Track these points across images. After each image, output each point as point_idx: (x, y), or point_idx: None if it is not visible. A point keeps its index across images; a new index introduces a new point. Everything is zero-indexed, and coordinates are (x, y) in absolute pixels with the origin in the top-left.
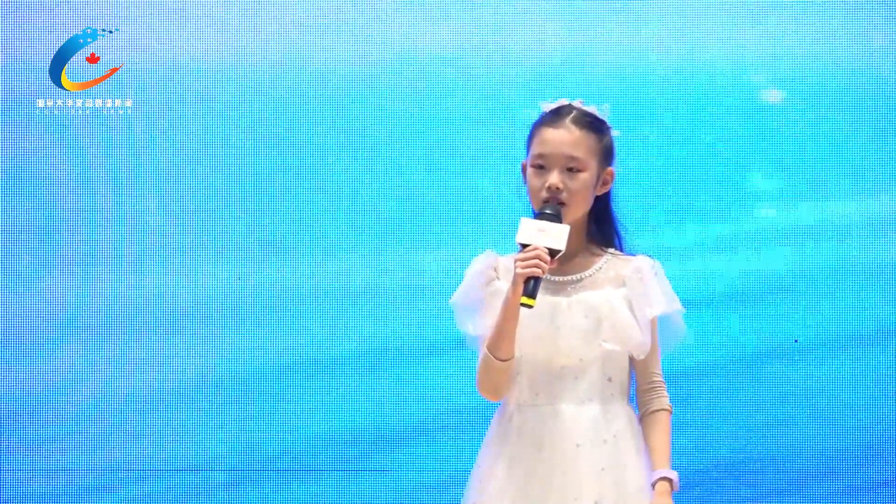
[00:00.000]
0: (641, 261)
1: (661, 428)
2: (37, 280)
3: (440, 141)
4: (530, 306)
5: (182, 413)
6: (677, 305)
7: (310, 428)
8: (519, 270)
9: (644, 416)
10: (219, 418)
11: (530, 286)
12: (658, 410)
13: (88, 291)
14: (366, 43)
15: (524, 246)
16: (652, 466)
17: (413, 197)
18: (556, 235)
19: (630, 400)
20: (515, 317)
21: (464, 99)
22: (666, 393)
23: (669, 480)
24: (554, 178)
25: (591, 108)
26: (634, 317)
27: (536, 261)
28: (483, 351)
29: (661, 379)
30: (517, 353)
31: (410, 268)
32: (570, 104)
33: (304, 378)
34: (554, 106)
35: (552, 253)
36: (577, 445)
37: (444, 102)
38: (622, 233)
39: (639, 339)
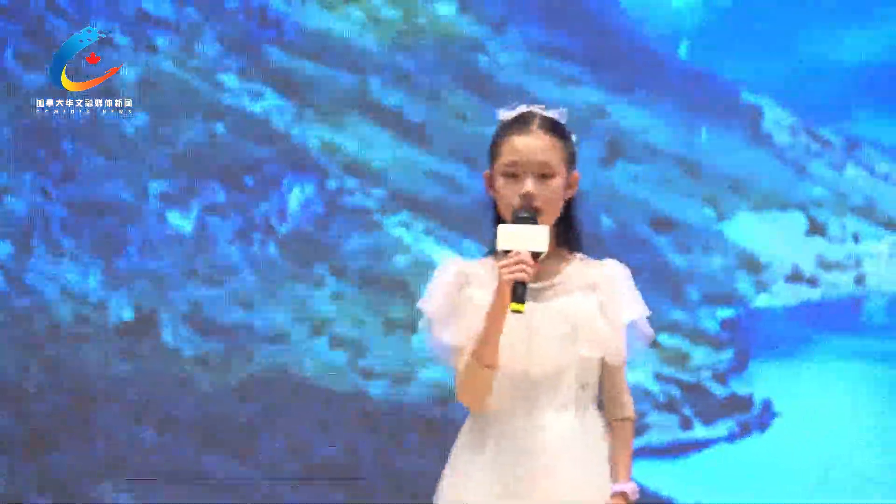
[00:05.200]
0: (611, 266)
1: (625, 437)
2: (37, 279)
3: None
4: (521, 311)
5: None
6: (645, 311)
7: None
8: (505, 276)
9: (610, 423)
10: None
11: (518, 292)
12: (624, 419)
13: (89, 291)
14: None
15: (506, 252)
16: (613, 478)
17: None
18: (536, 237)
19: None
20: (502, 323)
21: None
22: (631, 399)
23: (625, 494)
24: (528, 185)
25: (553, 114)
26: (609, 323)
27: (521, 265)
28: (466, 359)
29: (626, 385)
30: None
31: None
32: (531, 110)
33: None
34: (515, 113)
35: (535, 255)
36: (557, 452)
37: None
38: (583, 238)
39: (615, 346)
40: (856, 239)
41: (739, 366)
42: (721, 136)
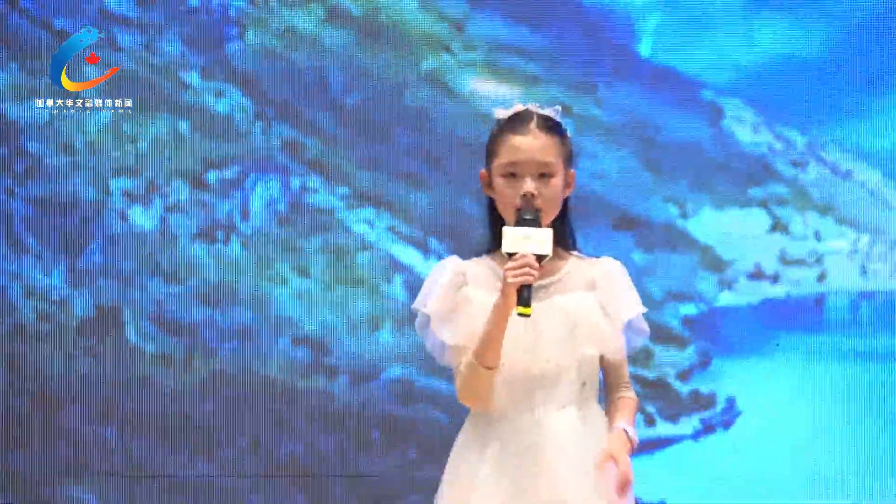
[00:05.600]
0: (608, 263)
1: (629, 404)
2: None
3: None
4: (528, 315)
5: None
6: (642, 308)
7: None
8: (510, 280)
9: (612, 402)
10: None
11: (524, 295)
12: (627, 397)
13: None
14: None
15: (511, 255)
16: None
17: None
18: (541, 240)
19: (599, 402)
20: (505, 325)
21: None
22: (633, 391)
23: (626, 431)
24: (529, 185)
25: (548, 112)
26: (609, 320)
27: (527, 268)
28: (468, 359)
29: (629, 380)
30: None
31: None
32: (527, 108)
33: None
34: (511, 112)
35: (539, 258)
36: (560, 451)
37: None
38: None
39: (616, 343)
40: (818, 237)
41: (703, 363)
42: (683, 134)
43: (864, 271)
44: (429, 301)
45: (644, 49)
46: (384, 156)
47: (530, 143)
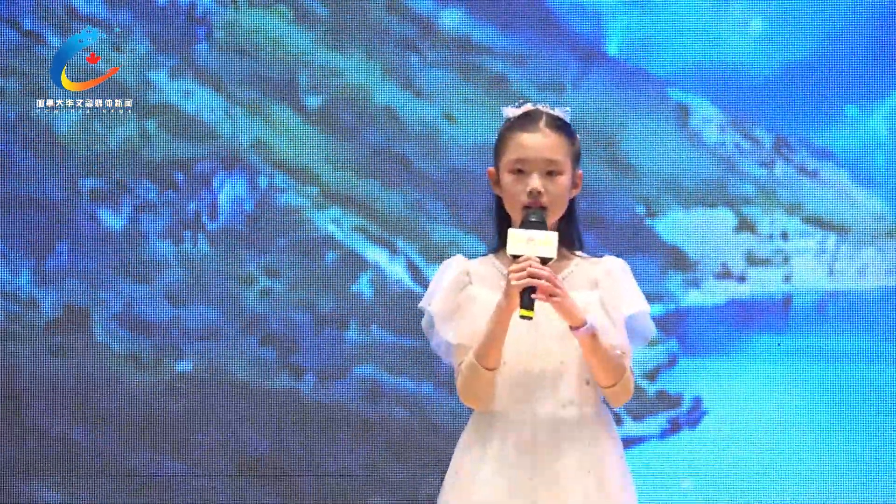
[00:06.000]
0: (611, 261)
1: (615, 352)
2: (37, 279)
3: None
4: (530, 318)
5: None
6: (646, 307)
7: None
8: (514, 283)
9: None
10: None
11: (526, 298)
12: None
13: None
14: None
15: (515, 257)
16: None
17: None
18: (546, 243)
19: (601, 400)
20: (506, 326)
21: None
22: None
23: (592, 326)
24: (535, 182)
25: (558, 112)
26: (609, 318)
27: (531, 272)
28: (469, 359)
29: (631, 373)
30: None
31: None
32: (537, 108)
33: None
34: (521, 111)
35: (543, 261)
36: (560, 449)
37: None
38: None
39: (616, 341)
40: (784, 237)
41: (669, 363)
42: (650, 134)
43: (830, 271)
44: (433, 300)
45: (611, 49)
46: (352, 155)
47: (539, 141)
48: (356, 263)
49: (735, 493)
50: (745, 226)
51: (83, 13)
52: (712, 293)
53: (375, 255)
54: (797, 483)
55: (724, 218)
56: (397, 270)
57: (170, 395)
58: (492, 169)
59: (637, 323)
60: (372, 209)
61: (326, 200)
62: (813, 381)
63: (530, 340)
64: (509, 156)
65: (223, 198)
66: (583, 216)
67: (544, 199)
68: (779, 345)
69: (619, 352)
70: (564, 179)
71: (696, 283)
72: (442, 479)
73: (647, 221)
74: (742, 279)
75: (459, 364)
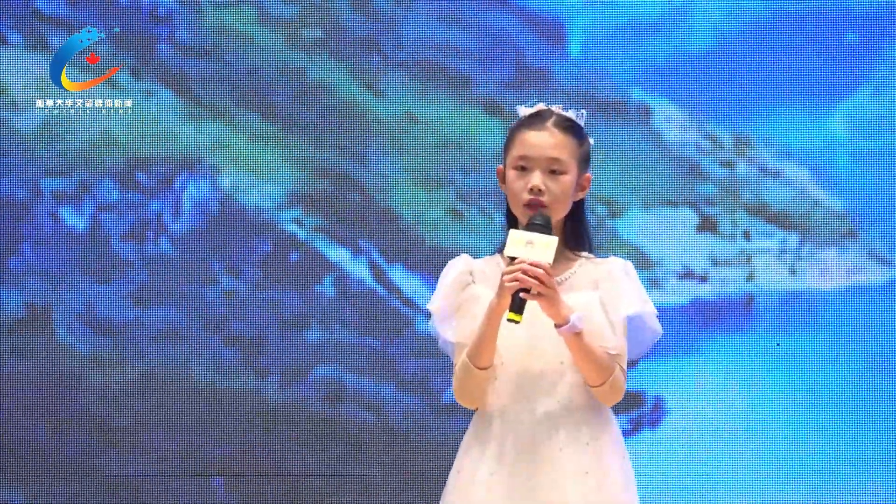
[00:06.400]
0: (613, 262)
1: (602, 351)
2: (38, 280)
3: None
4: (517, 321)
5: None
6: (650, 307)
7: None
8: (507, 284)
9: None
10: None
11: (517, 301)
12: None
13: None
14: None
15: (512, 259)
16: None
17: None
18: (544, 248)
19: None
20: (497, 326)
21: None
22: (624, 382)
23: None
24: (536, 178)
25: (570, 114)
26: (608, 318)
27: (523, 275)
28: (462, 358)
29: (623, 373)
30: (497, 360)
31: None
32: (549, 108)
33: None
34: (533, 110)
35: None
36: (560, 449)
37: None
38: (592, 239)
39: (610, 342)
40: (746, 237)
41: (631, 362)
42: (612, 134)
43: (793, 271)
44: (434, 299)
45: (574, 50)
46: (314, 156)
47: (544, 139)
48: (319, 264)
49: (695, 492)
50: (707, 226)
51: (46, 13)
52: (675, 293)
53: (338, 255)
54: (758, 483)
55: (687, 218)
56: (360, 271)
57: (133, 396)
58: (500, 167)
59: (641, 324)
60: (335, 209)
61: (289, 201)
62: (775, 380)
63: (529, 340)
64: (514, 153)
65: (186, 198)
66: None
67: (545, 198)
68: (778, 345)
69: (613, 352)
70: (567, 179)
71: (658, 284)
72: (403, 480)
73: (609, 221)
74: (704, 279)
75: (456, 362)
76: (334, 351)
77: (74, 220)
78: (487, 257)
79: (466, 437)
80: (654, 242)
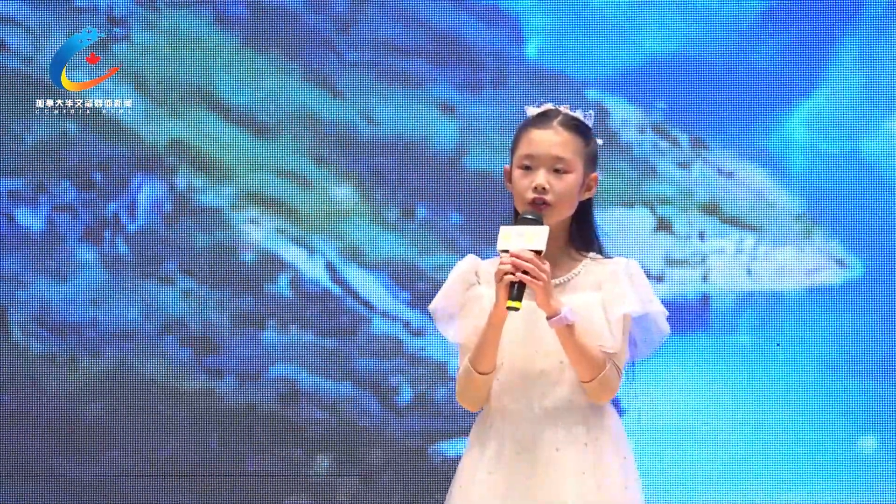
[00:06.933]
0: (616, 262)
1: (598, 351)
2: (38, 280)
3: None
4: (517, 309)
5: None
6: (656, 307)
7: None
8: (498, 278)
9: None
10: None
11: (514, 290)
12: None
13: (90, 291)
14: None
15: (505, 253)
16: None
17: None
18: (535, 237)
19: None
20: (499, 327)
21: None
22: (619, 380)
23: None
24: (541, 177)
25: (577, 114)
26: (606, 317)
27: (516, 265)
28: (464, 362)
29: (618, 372)
30: (498, 360)
31: None
32: (556, 108)
33: None
34: (540, 110)
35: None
36: (558, 449)
37: None
38: (602, 240)
39: (607, 341)
40: (702, 237)
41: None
42: None
43: (748, 271)
44: (436, 299)
45: (531, 50)
46: (270, 156)
47: (549, 138)
48: (274, 264)
49: (650, 492)
50: (662, 226)
51: (1, 13)
52: None
53: (294, 255)
54: (712, 482)
55: (642, 218)
56: (315, 270)
57: (88, 396)
58: (507, 166)
59: (649, 324)
60: (290, 209)
61: (244, 201)
62: (731, 380)
63: (529, 340)
64: (520, 152)
65: (142, 198)
66: (503, 216)
67: (549, 196)
68: (778, 344)
69: (609, 351)
70: (572, 178)
71: None
72: (359, 479)
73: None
74: (660, 279)
75: (460, 363)
76: (290, 350)
77: (30, 220)
78: (495, 258)
79: (469, 438)
80: (610, 242)
